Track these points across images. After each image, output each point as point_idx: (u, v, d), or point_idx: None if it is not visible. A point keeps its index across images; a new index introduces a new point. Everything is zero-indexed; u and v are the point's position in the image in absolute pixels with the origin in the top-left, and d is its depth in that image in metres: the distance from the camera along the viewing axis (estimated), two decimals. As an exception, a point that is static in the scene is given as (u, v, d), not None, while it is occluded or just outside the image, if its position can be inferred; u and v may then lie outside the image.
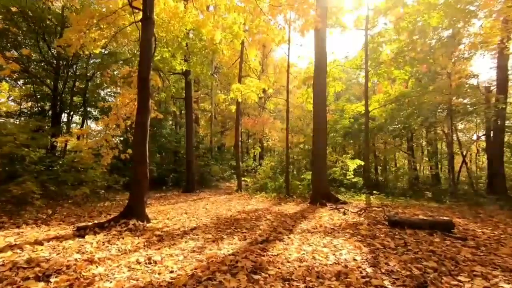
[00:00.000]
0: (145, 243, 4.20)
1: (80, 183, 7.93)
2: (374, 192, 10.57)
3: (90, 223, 5.09)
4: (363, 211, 7.00)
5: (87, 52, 10.27)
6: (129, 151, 9.54)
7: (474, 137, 19.26)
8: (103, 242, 4.18)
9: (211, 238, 4.58)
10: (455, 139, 16.72)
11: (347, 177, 12.41)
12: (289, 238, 4.56)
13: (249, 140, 29.23)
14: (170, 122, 19.77)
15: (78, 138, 9.69)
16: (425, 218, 5.84)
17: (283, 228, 5.36)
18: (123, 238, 4.44)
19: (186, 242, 4.33)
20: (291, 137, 20.06)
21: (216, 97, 12.46)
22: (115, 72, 12.69)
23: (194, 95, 21.30)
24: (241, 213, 7.25)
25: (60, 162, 9.22)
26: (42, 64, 15.07)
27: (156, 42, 7.69)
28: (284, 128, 22.43)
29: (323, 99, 9.81)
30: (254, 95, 11.62)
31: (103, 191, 8.79)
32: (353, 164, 12.52)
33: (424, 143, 19.48)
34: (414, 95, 13.17)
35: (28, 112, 16.38)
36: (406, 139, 18.38)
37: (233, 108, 12.13)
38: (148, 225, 5.36)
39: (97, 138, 8.36)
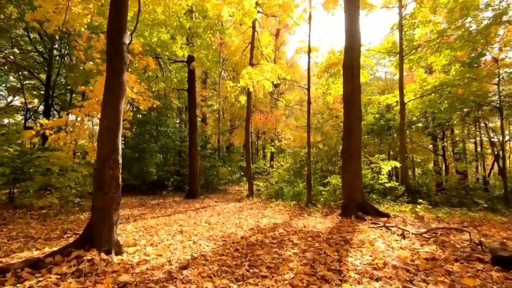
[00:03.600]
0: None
1: (49, 190, 6.19)
2: (420, 201, 8.46)
3: (15, 262, 3.26)
4: (428, 232, 4.97)
5: (71, 30, 8.60)
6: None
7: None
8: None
9: (211, 291, 2.70)
10: (486, 138, 14.41)
11: (380, 182, 10.32)
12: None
13: (259, 141, 27.34)
14: (174, 120, 18.10)
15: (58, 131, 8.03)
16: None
17: (325, 266, 3.41)
18: (62, 291, 2.61)
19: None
20: (306, 136, 18.05)
21: (223, 87, 10.59)
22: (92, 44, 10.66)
23: (202, 92, 19.60)
24: (255, 233, 5.34)
25: (37, 163, 7.54)
26: (32, 55, 13.72)
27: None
28: (299, 126, 20.45)
29: (357, 86, 7.81)
30: (268, 84, 9.71)
31: (78, 200, 6.98)
32: (386, 166, 10.43)
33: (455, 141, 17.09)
34: (458, 84, 10.95)
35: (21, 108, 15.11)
36: (437, 137, 16.10)
37: (243, 99, 10.25)
38: (116, 259, 3.51)
39: (71, 131, 6.55)
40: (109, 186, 3.63)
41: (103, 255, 3.37)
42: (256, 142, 26.71)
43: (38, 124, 6.22)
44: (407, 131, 14.87)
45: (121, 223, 6.02)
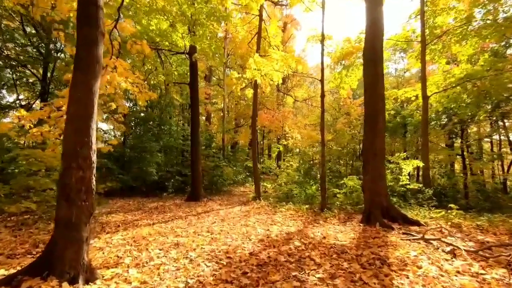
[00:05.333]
0: None
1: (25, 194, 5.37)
2: (451, 205, 7.41)
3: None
4: (484, 250, 3.97)
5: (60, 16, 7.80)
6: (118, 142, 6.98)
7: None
8: None
9: None
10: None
11: (400, 183, 9.30)
12: None
13: (264, 141, 26.40)
14: (176, 118, 17.28)
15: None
16: None
17: (367, 303, 2.48)
18: None
19: None
20: (316, 135, 17.11)
21: (228, 79, 9.72)
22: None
23: (206, 90, 18.77)
24: (266, 246, 4.42)
25: (23, 162, 6.75)
26: (27, 49, 13.04)
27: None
28: (308, 124, 19.48)
29: (380, 74, 6.84)
30: (278, 75, 8.78)
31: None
32: (408, 166, 9.40)
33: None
34: (487, 75, 9.85)
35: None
36: (457, 134, 14.97)
37: (250, 93, 9.34)
38: (84, 290, 2.63)
39: (54, 125, 5.72)
40: (77, 191, 2.75)
41: (66, 286, 2.49)
42: (262, 142, 25.80)
43: (15, 116, 5.40)
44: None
45: (109, 232, 5.17)
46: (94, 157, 2.95)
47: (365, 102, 7.06)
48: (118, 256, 3.66)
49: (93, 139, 2.94)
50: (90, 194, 2.87)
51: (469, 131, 15.66)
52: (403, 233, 5.33)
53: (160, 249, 4.10)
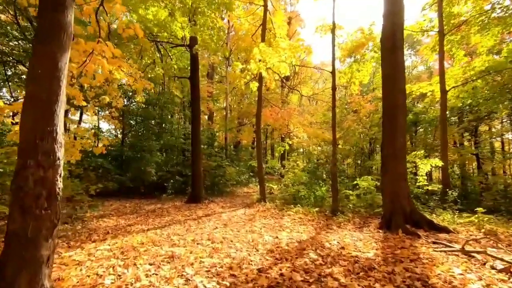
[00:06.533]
0: None
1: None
2: (478, 209, 6.65)
3: None
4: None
5: None
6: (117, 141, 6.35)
7: None
8: None
9: None
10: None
11: (418, 184, 8.57)
12: None
13: (267, 140, 25.71)
14: (177, 116, 16.67)
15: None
16: None
17: None
18: None
19: None
20: (322, 133, 16.39)
21: (231, 72, 9.06)
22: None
23: (208, 89, 18.13)
24: (277, 259, 3.75)
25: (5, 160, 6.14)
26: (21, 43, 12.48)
27: None
28: (314, 122, 18.75)
29: (401, 61, 6.14)
30: (285, 67, 8.10)
31: None
32: (425, 166, 8.67)
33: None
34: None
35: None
36: (474, 132, 14.19)
37: (254, 86, 8.67)
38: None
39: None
40: (35, 197, 2.10)
41: (13, 326, 1.83)
42: (265, 142, 25.12)
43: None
44: (437, 126, 13.09)
45: (95, 240, 4.53)
46: (60, 153, 2.29)
47: (384, 96, 6.35)
48: (98, 275, 3.00)
49: (60, 129, 2.29)
50: (53, 200, 2.21)
51: (479, 129, 14.93)
52: (433, 243, 4.63)
53: (151, 264, 3.43)
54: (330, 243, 4.64)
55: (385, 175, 6.08)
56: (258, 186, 10.54)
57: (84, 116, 17.28)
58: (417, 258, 3.76)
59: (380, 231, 5.64)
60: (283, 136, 19.01)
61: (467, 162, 14.11)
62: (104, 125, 18.20)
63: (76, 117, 16.76)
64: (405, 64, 6.42)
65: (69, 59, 2.47)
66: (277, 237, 5.02)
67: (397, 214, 5.63)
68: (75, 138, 7.22)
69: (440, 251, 4.11)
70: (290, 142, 17.39)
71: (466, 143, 14.90)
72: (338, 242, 4.71)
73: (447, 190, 7.74)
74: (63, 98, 2.35)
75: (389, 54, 6.21)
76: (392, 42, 6.10)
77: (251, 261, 3.65)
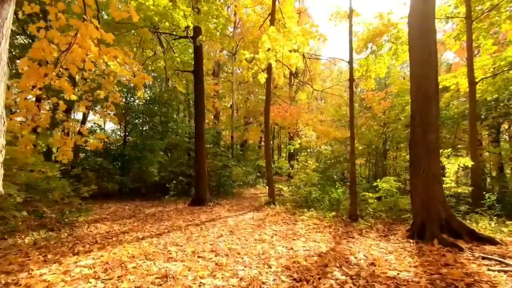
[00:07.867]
0: None
1: None
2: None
3: None
4: None
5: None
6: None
7: None
8: None
9: None
10: None
11: (445, 186, 7.68)
12: None
13: (274, 141, 24.92)
14: (181, 114, 16.07)
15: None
16: None
17: None
18: None
19: None
20: (333, 131, 15.53)
21: (237, 61, 8.36)
22: None
23: (214, 87, 17.50)
24: (295, 280, 3.01)
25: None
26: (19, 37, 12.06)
27: None
28: (324, 120, 17.91)
29: (433, 47, 5.32)
30: (297, 57, 7.33)
31: (21, 216, 4.79)
32: (453, 166, 7.78)
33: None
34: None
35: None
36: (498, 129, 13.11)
37: (263, 78, 7.95)
38: None
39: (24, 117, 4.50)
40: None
41: None
42: (272, 142, 24.39)
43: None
44: (460, 123, 12.13)
45: (78, 252, 3.85)
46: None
47: (412, 86, 5.54)
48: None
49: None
50: None
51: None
52: (482, 258, 3.82)
53: (142, 282, 2.73)
54: (355, 257, 3.88)
55: (415, 176, 5.26)
56: (267, 187, 9.80)
57: (91, 116, 16.85)
58: (473, 281, 2.97)
59: (411, 240, 4.86)
60: (291, 134, 18.22)
61: (491, 163, 13.05)
62: (109, 126, 17.70)
63: (79, 116, 16.34)
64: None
65: (14, 13, 1.76)
66: (291, 249, 4.28)
67: (431, 221, 4.83)
68: (67, 134, 6.62)
69: (498, 270, 3.30)
70: (299, 141, 16.62)
71: (493, 142, 13.82)
72: (365, 256, 3.95)
73: (484, 193, 6.84)
74: (2, 65, 1.66)
75: (418, 37, 5.40)
76: (424, 25, 5.30)
77: (264, 283, 2.92)
